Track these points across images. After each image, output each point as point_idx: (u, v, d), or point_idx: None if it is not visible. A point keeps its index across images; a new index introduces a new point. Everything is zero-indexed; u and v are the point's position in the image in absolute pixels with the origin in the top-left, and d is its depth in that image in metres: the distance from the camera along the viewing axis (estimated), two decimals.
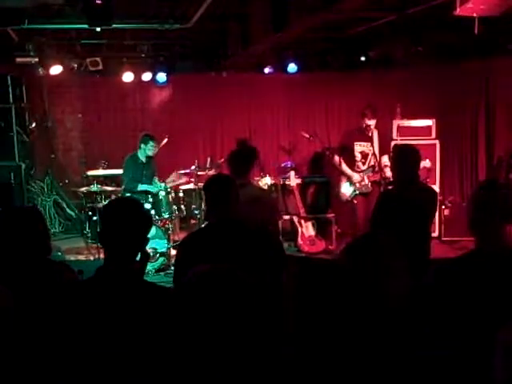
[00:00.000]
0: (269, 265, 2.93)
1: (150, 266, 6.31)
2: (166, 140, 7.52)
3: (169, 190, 7.06)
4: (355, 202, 6.98)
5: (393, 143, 7.38)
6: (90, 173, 7.92)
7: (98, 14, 5.39)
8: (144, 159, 7.17)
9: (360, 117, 6.86)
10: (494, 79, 8.21)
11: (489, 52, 7.70)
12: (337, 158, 7.10)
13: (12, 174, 7.91)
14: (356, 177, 6.91)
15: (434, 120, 8.13)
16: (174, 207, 7.15)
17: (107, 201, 7.00)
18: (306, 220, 7.61)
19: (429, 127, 8.12)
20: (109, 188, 7.49)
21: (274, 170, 8.62)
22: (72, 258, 7.18)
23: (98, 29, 6.38)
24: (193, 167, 7.55)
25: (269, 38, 5.95)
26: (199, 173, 7.54)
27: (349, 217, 7.41)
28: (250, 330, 1.72)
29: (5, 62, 7.79)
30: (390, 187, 5.72)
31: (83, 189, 7.56)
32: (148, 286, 2.29)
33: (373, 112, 6.69)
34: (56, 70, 7.95)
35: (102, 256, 5.81)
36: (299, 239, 7.56)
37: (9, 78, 7.99)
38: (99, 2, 5.19)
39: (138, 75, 8.39)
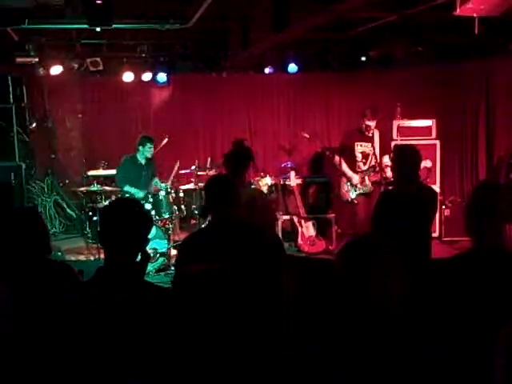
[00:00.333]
0: (269, 265, 2.93)
1: (150, 267, 6.31)
2: (166, 140, 7.53)
3: (169, 189, 7.06)
4: (356, 202, 6.98)
5: (393, 143, 7.39)
6: (90, 173, 7.93)
7: (98, 14, 5.39)
8: (143, 161, 7.17)
9: (360, 117, 6.86)
10: (494, 79, 8.21)
11: (489, 52, 7.70)
12: (337, 158, 7.10)
13: (12, 174, 7.90)
14: (356, 178, 6.91)
15: (434, 120, 8.14)
16: (175, 207, 7.15)
17: (107, 201, 7.01)
18: (306, 220, 7.61)
19: (429, 127, 8.13)
20: (109, 188, 7.49)
21: (274, 170, 8.61)
22: (72, 258, 7.18)
23: (98, 29, 6.38)
24: (193, 167, 7.56)
25: (269, 38, 5.95)
26: (199, 173, 7.55)
27: (349, 217, 7.41)
28: (243, 328, 1.72)
29: (5, 62, 7.80)
30: (390, 187, 5.73)
31: (83, 189, 7.57)
32: (148, 286, 2.29)
33: (373, 113, 6.69)
34: (56, 70, 7.95)
35: (102, 256, 5.81)
36: (299, 239, 7.56)
37: (9, 78, 7.99)
38: (99, 1, 5.19)
39: (138, 75, 8.39)
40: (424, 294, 2.22)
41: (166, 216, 6.95)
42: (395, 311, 1.80)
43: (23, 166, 8.15)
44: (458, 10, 4.15)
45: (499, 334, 1.55)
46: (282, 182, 8.04)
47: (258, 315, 2.17)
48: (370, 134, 6.82)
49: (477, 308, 2.09)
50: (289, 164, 8.13)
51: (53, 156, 8.81)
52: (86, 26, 5.92)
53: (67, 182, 8.82)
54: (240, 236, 2.96)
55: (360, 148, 6.93)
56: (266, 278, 2.92)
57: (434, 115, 8.19)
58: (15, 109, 8.05)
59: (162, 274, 6.53)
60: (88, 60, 7.89)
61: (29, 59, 7.61)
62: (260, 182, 7.79)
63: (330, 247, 7.54)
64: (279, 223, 7.67)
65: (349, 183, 7.00)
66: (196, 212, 7.52)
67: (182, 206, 7.43)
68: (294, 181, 7.80)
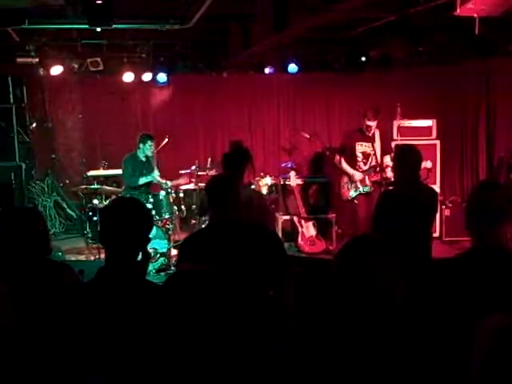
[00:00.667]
0: (269, 264, 2.93)
1: (150, 266, 6.31)
2: (166, 140, 7.53)
3: (169, 189, 7.07)
4: (356, 202, 6.98)
5: (393, 143, 7.39)
6: (91, 173, 7.93)
7: (99, 14, 5.39)
8: (143, 158, 7.19)
9: (361, 117, 6.86)
10: (494, 79, 8.21)
11: (489, 52, 7.70)
12: (337, 157, 7.10)
13: (12, 174, 7.91)
14: (358, 175, 6.89)
15: (435, 120, 8.14)
16: (175, 207, 7.16)
17: (108, 201, 7.02)
18: (307, 220, 7.61)
19: (429, 127, 8.13)
20: (109, 188, 7.49)
21: (274, 170, 8.61)
22: (72, 258, 7.18)
23: (99, 29, 6.38)
24: (193, 167, 7.56)
25: (269, 38, 5.95)
26: (199, 173, 7.54)
27: (349, 217, 7.40)
28: (225, 330, 1.72)
29: (5, 63, 7.80)
30: (390, 187, 5.73)
31: (83, 188, 7.57)
32: (150, 286, 2.29)
33: (375, 113, 6.68)
34: (56, 70, 7.95)
35: (102, 256, 5.81)
36: (299, 239, 7.56)
37: (9, 78, 8.00)
38: (99, 2, 5.19)
39: (138, 75, 8.38)
40: (424, 294, 2.22)
41: (166, 216, 6.95)
42: (393, 311, 1.80)
43: (23, 166, 8.16)
44: (458, 10, 4.14)
45: (482, 326, 1.54)
46: (282, 182, 8.04)
47: (244, 319, 2.18)
48: (371, 134, 6.82)
49: (477, 308, 2.09)
50: (289, 164, 8.13)
51: (53, 156, 8.81)
52: (86, 26, 5.92)
53: (67, 182, 8.82)
54: (240, 236, 2.96)
55: (361, 148, 6.93)
56: (266, 277, 2.92)
57: (434, 115, 8.19)
58: (15, 109, 8.06)
59: (163, 273, 6.53)
60: (88, 60, 7.89)
61: (29, 59, 7.61)
62: (260, 182, 7.79)
63: (330, 247, 7.54)
64: (279, 223, 7.67)
65: (349, 182, 6.99)
66: (196, 212, 7.52)
67: (182, 206, 7.43)
68: (294, 181, 7.80)
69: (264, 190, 7.78)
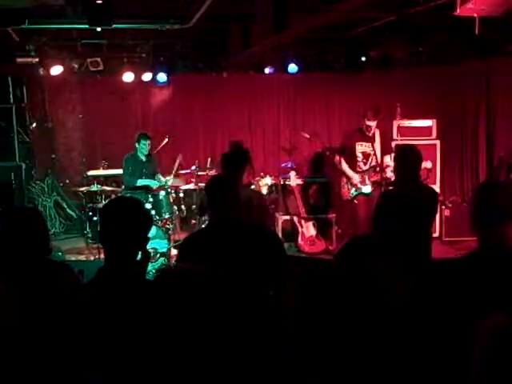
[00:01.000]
0: (269, 264, 2.93)
1: (150, 266, 6.31)
2: (166, 140, 7.53)
3: (169, 189, 7.07)
4: (356, 202, 6.98)
5: (393, 143, 7.38)
6: (91, 173, 7.93)
7: (99, 14, 5.39)
8: (144, 158, 7.20)
9: (361, 117, 6.86)
10: (494, 79, 8.21)
11: (489, 52, 7.70)
12: (337, 157, 7.10)
13: (12, 174, 7.91)
14: (356, 177, 6.90)
15: (435, 120, 8.14)
16: (175, 207, 7.16)
17: (107, 200, 7.02)
18: (307, 220, 7.61)
19: (429, 127, 8.12)
20: (109, 188, 7.49)
21: (274, 170, 8.61)
22: (72, 258, 7.18)
23: (99, 29, 6.38)
24: (193, 167, 7.56)
25: (269, 38, 5.95)
26: (199, 173, 7.55)
27: (349, 217, 7.41)
28: (217, 329, 1.72)
29: (5, 63, 7.80)
30: (390, 188, 5.73)
31: (83, 189, 7.57)
32: (150, 285, 2.29)
33: (375, 113, 6.68)
34: (56, 70, 7.95)
35: (102, 256, 5.80)
36: (299, 239, 7.56)
37: (9, 78, 7.99)
38: (99, 1, 5.19)
39: (138, 75, 8.39)
40: (429, 295, 2.21)
41: (166, 216, 6.96)
42: (393, 311, 1.80)
43: (23, 166, 8.16)
44: (458, 10, 4.14)
45: (482, 326, 1.54)
46: (282, 182, 8.04)
47: (240, 319, 2.17)
48: (371, 134, 6.82)
49: (481, 308, 2.08)
50: (289, 164, 8.13)
51: (53, 156, 8.81)
52: (86, 26, 5.92)
53: (67, 182, 8.82)
54: (240, 236, 2.96)
55: (361, 148, 6.93)
56: (266, 277, 2.92)
57: (434, 115, 8.19)
58: (15, 109, 8.06)
59: None
60: (88, 60, 7.89)
61: (29, 59, 7.61)
62: (260, 182, 7.79)
63: (330, 247, 7.54)
64: (279, 223, 7.68)
65: (349, 183, 6.99)
66: (196, 212, 7.52)
67: (182, 206, 7.43)
68: (294, 181, 7.80)
69: (264, 190, 7.78)
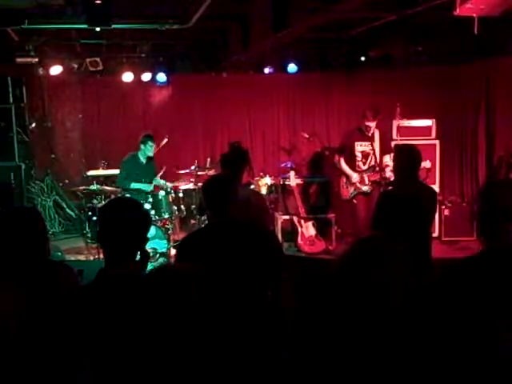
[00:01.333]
0: (268, 265, 2.93)
1: (150, 266, 6.30)
2: (165, 140, 7.53)
3: (169, 189, 7.08)
4: (355, 201, 6.97)
5: (393, 143, 7.38)
6: (90, 173, 7.93)
7: (98, 14, 5.39)
8: (144, 160, 7.20)
9: (360, 117, 6.86)
10: (494, 79, 8.21)
11: (489, 52, 7.70)
12: (337, 157, 7.10)
13: (12, 174, 7.92)
14: (355, 176, 6.90)
15: (434, 120, 8.14)
16: (174, 207, 7.16)
17: (106, 201, 7.02)
18: (306, 220, 7.61)
19: (429, 127, 8.13)
20: (109, 188, 7.49)
21: (273, 170, 8.61)
22: (72, 257, 7.18)
23: (98, 29, 6.37)
24: (193, 167, 7.56)
25: (269, 38, 5.94)
26: (199, 173, 7.55)
27: (349, 217, 7.41)
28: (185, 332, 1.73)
29: (5, 63, 7.80)
30: (389, 187, 5.73)
31: (83, 189, 7.57)
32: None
33: (374, 114, 6.68)
34: (56, 70, 7.95)
35: (101, 256, 5.81)
36: (299, 239, 7.56)
37: (9, 78, 7.99)
38: (99, 2, 5.19)
39: (137, 75, 8.38)
40: (434, 296, 2.19)
41: (166, 216, 6.96)
42: (398, 312, 1.79)
43: (23, 166, 8.17)
44: (457, 9, 4.14)
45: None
46: (281, 182, 8.04)
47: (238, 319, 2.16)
48: (370, 134, 6.82)
49: (489, 310, 2.07)
50: (288, 164, 8.13)
51: (52, 156, 8.80)
52: (85, 26, 5.92)
53: (67, 182, 8.82)
54: (238, 236, 2.96)
55: (360, 148, 6.93)
56: (264, 277, 2.92)
57: (434, 115, 8.19)
58: (15, 109, 8.07)
59: None
60: (88, 60, 7.88)
61: (29, 59, 7.60)
62: (260, 182, 7.79)
63: (329, 247, 7.54)
64: (279, 223, 7.67)
65: (348, 182, 6.99)
66: (195, 212, 7.52)
67: (182, 206, 7.43)
68: (293, 181, 7.80)
69: (263, 190, 7.78)
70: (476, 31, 4.31)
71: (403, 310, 1.81)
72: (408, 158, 4.34)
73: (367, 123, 6.71)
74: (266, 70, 8.71)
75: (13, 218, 2.62)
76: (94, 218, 6.94)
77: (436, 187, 7.35)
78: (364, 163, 6.95)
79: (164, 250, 6.66)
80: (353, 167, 6.97)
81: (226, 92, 9.05)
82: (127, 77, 8.33)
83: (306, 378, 1.78)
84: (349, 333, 1.81)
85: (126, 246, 2.24)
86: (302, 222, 7.61)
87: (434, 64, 8.29)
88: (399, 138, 7.83)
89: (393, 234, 3.60)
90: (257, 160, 8.29)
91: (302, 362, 1.83)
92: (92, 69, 7.94)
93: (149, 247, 6.49)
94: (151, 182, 7.22)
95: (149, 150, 7.12)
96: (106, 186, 7.61)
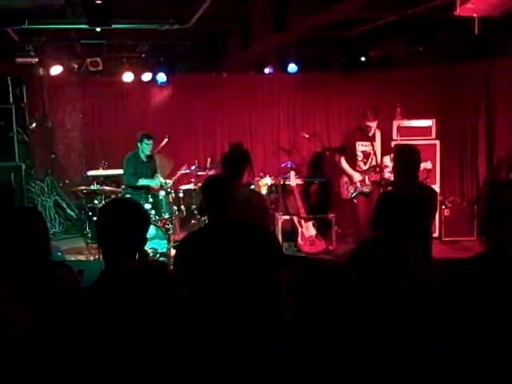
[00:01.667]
0: (267, 265, 2.93)
1: None
2: (165, 140, 7.53)
3: (169, 189, 7.08)
4: (355, 201, 6.97)
5: (393, 143, 7.38)
6: (90, 173, 7.93)
7: (98, 15, 5.40)
8: (144, 158, 7.20)
9: (361, 117, 6.86)
10: (494, 79, 8.21)
11: (489, 52, 7.69)
12: (337, 156, 7.09)
13: (12, 174, 7.92)
14: (357, 176, 6.89)
15: (434, 120, 8.13)
16: (174, 207, 7.16)
17: (105, 202, 7.02)
18: (306, 220, 7.61)
19: (429, 127, 8.12)
20: (109, 188, 7.49)
21: (274, 170, 8.61)
22: (72, 258, 7.17)
23: (98, 29, 6.38)
24: (193, 167, 7.57)
25: (269, 38, 5.95)
26: (199, 173, 7.55)
27: (349, 217, 7.40)
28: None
29: (5, 63, 7.80)
30: (389, 188, 5.73)
31: (83, 189, 7.57)
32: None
33: (374, 114, 6.67)
34: (56, 70, 7.95)
35: (102, 256, 5.82)
36: (299, 239, 7.55)
37: (9, 78, 8.00)
38: (99, 2, 5.19)
39: (137, 75, 8.39)
40: (444, 293, 2.19)
41: (166, 216, 6.95)
42: (411, 311, 1.79)
43: (23, 166, 8.17)
44: (457, 9, 4.14)
45: None
46: (281, 182, 8.04)
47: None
48: (371, 134, 6.81)
49: (494, 310, 2.07)
50: (289, 164, 8.13)
51: (53, 156, 8.80)
52: (85, 26, 5.92)
53: (67, 182, 8.82)
54: (237, 236, 2.96)
55: (361, 147, 6.92)
56: (263, 277, 2.92)
57: (434, 115, 8.18)
58: (15, 109, 8.07)
59: None
60: (88, 60, 7.89)
61: (29, 59, 7.61)
62: (260, 182, 7.79)
63: (329, 247, 7.54)
64: (279, 223, 7.67)
65: (348, 182, 6.98)
66: (196, 212, 7.52)
67: (182, 206, 7.43)
68: (293, 181, 7.80)
69: (264, 190, 7.78)
70: (476, 31, 4.32)
71: (414, 308, 1.81)
72: (408, 158, 4.33)
73: (368, 123, 6.70)
74: (266, 70, 8.71)
75: (13, 219, 2.62)
76: (95, 218, 6.94)
77: (436, 187, 7.35)
78: (365, 163, 6.94)
79: (164, 250, 6.66)
80: (353, 167, 6.96)
81: (226, 92, 9.05)
82: (127, 77, 8.33)
83: (306, 375, 1.78)
84: (352, 331, 1.81)
85: (125, 247, 2.24)
86: (302, 222, 7.61)
87: (434, 64, 8.28)
88: (399, 138, 7.83)
89: (392, 234, 3.60)
90: (257, 160, 8.28)
91: (301, 360, 1.83)
92: (92, 69, 7.94)
93: (149, 247, 6.49)
94: (153, 176, 7.23)
95: (145, 148, 7.12)
96: (106, 185, 7.61)
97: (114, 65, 8.25)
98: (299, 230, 7.59)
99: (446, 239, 7.74)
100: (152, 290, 2.16)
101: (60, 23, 6.42)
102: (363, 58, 8.37)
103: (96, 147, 8.84)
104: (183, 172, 7.67)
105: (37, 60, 7.66)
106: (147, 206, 6.72)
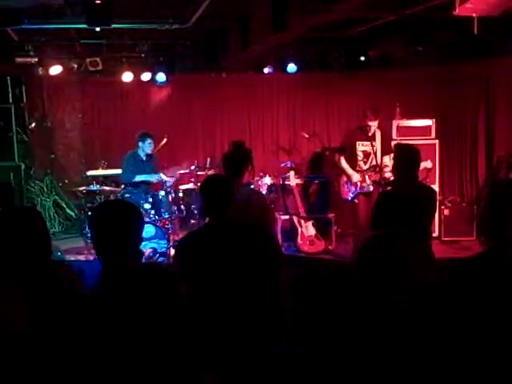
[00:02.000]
0: (267, 265, 2.93)
1: None
2: (165, 140, 7.53)
3: (169, 189, 7.07)
4: (356, 201, 6.96)
5: (393, 143, 7.37)
6: (90, 173, 7.92)
7: (98, 14, 5.39)
8: (144, 157, 7.20)
9: (361, 117, 6.85)
10: (494, 79, 8.21)
11: (489, 52, 7.70)
12: (337, 156, 7.09)
13: (11, 174, 7.92)
14: (356, 176, 6.88)
15: (434, 120, 8.13)
16: (174, 207, 7.16)
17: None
18: (306, 220, 7.61)
19: (428, 127, 8.12)
20: (108, 188, 7.49)
21: (273, 170, 8.61)
22: (72, 257, 7.17)
23: (98, 29, 6.38)
24: (192, 167, 7.56)
25: (268, 38, 5.95)
26: (199, 173, 7.55)
27: (349, 217, 7.40)
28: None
29: (5, 62, 7.80)
30: (388, 187, 5.72)
31: (83, 189, 7.56)
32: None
33: (375, 114, 6.67)
34: (56, 70, 7.95)
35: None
36: (299, 239, 7.55)
37: (8, 78, 7.99)
38: (99, 1, 5.19)
39: (137, 75, 8.38)
40: (445, 292, 2.19)
41: (166, 216, 6.95)
42: (413, 310, 1.79)
43: (22, 166, 8.17)
44: (457, 9, 4.14)
45: None
46: (281, 182, 8.04)
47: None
48: (370, 134, 6.81)
49: (494, 310, 2.07)
50: (288, 164, 8.13)
51: (52, 156, 8.80)
52: (85, 25, 5.92)
53: (66, 181, 8.82)
54: (236, 236, 2.95)
55: (361, 147, 6.91)
56: (262, 277, 2.92)
57: (434, 115, 8.18)
58: (14, 109, 8.07)
59: None
60: (87, 60, 7.89)
61: (28, 59, 7.61)
62: (259, 182, 7.78)
63: (329, 247, 7.54)
64: (279, 223, 7.67)
65: (349, 182, 6.98)
66: (195, 212, 7.52)
67: (182, 206, 7.43)
68: (293, 181, 7.80)
69: (263, 190, 7.77)
70: (476, 31, 4.32)
71: (414, 308, 1.81)
72: (408, 157, 4.33)
73: (369, 123, 6.70)
74: (266, 70, 8.71)
75: (12, 219, 2.62)
76: None
77: (436, 187, 7.35)
78: (365, 163, 6.93)
79: (164, 249, 6.66)
80: (353, 167, 6.95)
81: (226, 92, 9.05)
82: (127, 77, 8.33)
83: (306, 375, 1.78)
84: (360, 328, 1.81)
85: (121, 248, 2.24)
86: (302, 221, 7.61)
87: (434, 64, 8.28)
88: (399, 137, 7.83)
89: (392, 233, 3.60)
90: (256, 160, 8.22)
91: (301, 359, 1.83)
92: (92, 69, 7.94)
93: (149, 247, 6.50)
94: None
95: (147, 147, 7.13)
96: (106, 185, 7.60)
97: (114, 65, 8.25)
98: (299, 229, 7.59)
99: (446, 239, 7.74)
100: (152, 291, 2.16)
101: (59, 23, 6.42)
102: (363, 58, 8.37)
103: (95, 147, 8.84)
104: (183, 172, 7.68)
105: (36, 60, 7.66)
106: (147, 206, 6.72)
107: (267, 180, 7.88)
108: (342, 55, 8.59)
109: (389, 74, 8.69)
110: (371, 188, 6.81)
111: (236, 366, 2.64)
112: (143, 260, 2.48)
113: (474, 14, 4.28)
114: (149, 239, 6.47)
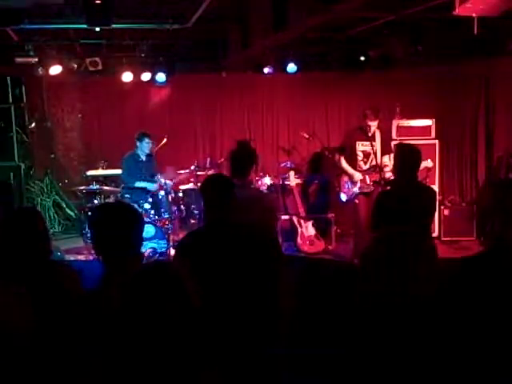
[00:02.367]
0: (267, 265, 2.93)
1: None
2: (165, 140, 7.54)
3: (168, 189, 7.07)
4: (356, 201, 6.96)
5: (393, 143, 7.37)
6: (90, 173, 7.93)
7: (98, 14, 5.39)
8: (144, 157, 7.20)
9: (361, 116, 6.85)
10: (494, 79, 8.21)
11: (489, 52, 7.70)
12: (337, 156, 7.08)
13: (11, 174, 7.92)
14: (357, 175, 6.87)
15: (434, 120, 8.13)
16: (174, 207, 7.16)
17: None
18: (306, 220, 7.61)
19: (428, 127, 8.12)
20: (108, 188, 7.49)
21: (273, 170, 8.61)
22: (71, 258, 7.17)
23: (98, 29, 6.38)
24: (192, 167, 7.56)
25: (268, 38, 5.95)
26: (199, 173, 7.55)
27: (349, 217, 7.39)
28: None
29: (4, 62, 7.80)
30: (388, 187, 5.72)
31: (82, 188, 7.56)
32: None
33: (375, 114, 6.66)
34: (55, 70, 7.95)
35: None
36: (299, 239, 7.55)
37: (8, 78, 7.99)
38: (98, 1, 5.19)
39: (137, 75, 8.38)
40: (452, 289, 2.18)
41: (166, 216, 6.95)
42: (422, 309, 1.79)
43: (22, 166, 8.16)
44: (457, 9, 4.14)
45: None
46: (281, 182, 8.04)
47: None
48: (370, 134, 6.80)
49: (494, 309, 2.07)
50: (288, 164, 8.13)
51: (52, 156, 8.80)
52: (85, 26, 5.92)
53: (66, 181, 8.82)
54: (237, 236, 2.95)
55: (361, 147, 6.90)
56: (262, 277, 2.92)
57: (434, 115, 8.18)
58: (14, 109, 8.07)
59: None
60: (87, 60, 7.89)
61: (28, 59, 7.60)
62: (259, 182, 7.78)
63: (329, 247, 7.54)
64: (278, 223, 7.67)
65: (349, 182, 6.97)
66: (195, 212, 7.52)
67: (182, 206, 7.43)
68: (293, 181, 7.80)
69: (263, 190, 7.78)
70: (476, 31, 4.32)
71: (413, 308, 1.81)
72: (408, 157, 4.33)
73: (369, 123, 6.70)
74: (266, 70, 8.70)
75: (12, 219, 2.62)
76: None
77: (435, 187, 7.35)
78: (365, 163, 6.93)
79: (164, 249, 6.66)
80: (353, 167, 6.94)
81: (226, 92, 9.05)
82: (127, 77, 8.33)
83: (307, 375, 1.78)
84: (360, 328, 1.81)
85: (123, 249, 2.24)
86: (302, 221, 7.61)
87: (434, 64, 8.28)
88: (399, 137, 7.82)
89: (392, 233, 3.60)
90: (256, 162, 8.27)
91: (301, 359, 1.83)
92: (92, 69, 7.94)
93: (149, 247, 6.50)
94: (153, 176, 7.21)
95: (145, 146, 7.12)
96: (106, 185, 7.60)
97: (114, 65, 8.25)
98: (299, 229, 7.59)
99: (446, 239, 7.74)
100: (154, 291, 2.16)
101: (59, 23, 6.43)
102: (362, 58, 8.36)
103: (95, 147, 8.83)
104: (182, 172, 7.68)
105: (36, 60, 7.65)
106: (147, 206, 6.72)
107: (267, 180, 7.88)
108: (342, 55, 8.59)
109: (389, 73, 8.69)
110: (371, 188, 6.81)
111: (237, 366, 2.64)
112: (143, 260, 2.48)
113: (473, 14, 4.28)
114: (149, 239, 6.47)
